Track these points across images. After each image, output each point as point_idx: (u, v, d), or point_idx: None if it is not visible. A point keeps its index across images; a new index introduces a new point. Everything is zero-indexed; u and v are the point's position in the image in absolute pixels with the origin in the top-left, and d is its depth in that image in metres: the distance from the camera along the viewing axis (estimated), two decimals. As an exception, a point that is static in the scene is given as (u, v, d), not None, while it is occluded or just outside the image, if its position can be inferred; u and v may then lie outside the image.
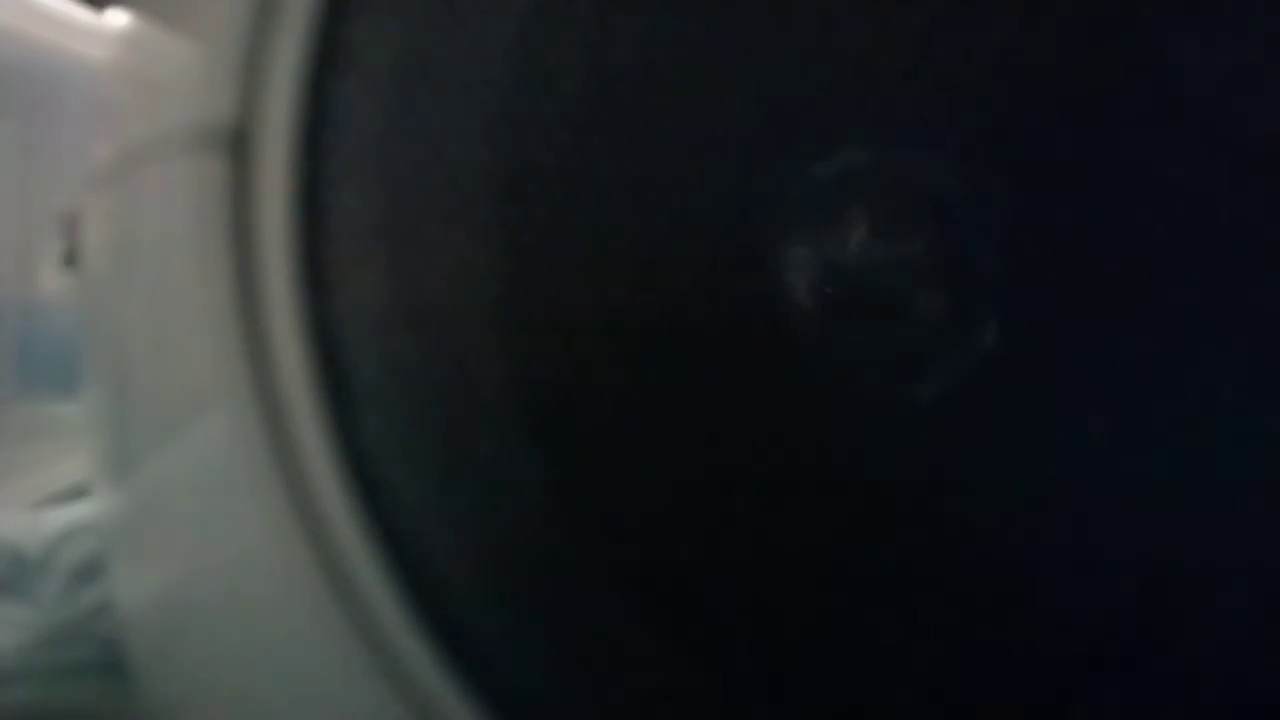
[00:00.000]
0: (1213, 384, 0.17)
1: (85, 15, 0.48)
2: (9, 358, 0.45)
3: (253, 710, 0.21)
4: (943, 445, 0.18)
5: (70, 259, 0.25)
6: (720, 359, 0.18)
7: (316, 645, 0.19)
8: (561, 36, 0.18)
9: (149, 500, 0.22)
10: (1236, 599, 0.17)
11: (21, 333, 0.46)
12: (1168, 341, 0.17)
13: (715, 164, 0.18)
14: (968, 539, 0.18)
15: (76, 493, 0.38)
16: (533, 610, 0.19)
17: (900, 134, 0.18)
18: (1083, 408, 0.18)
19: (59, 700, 0.29)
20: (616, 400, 0.19)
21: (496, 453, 0.19)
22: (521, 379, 0.18)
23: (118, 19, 0.24)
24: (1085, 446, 0.18)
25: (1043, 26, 0.17)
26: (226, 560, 0.20)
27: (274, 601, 0.20)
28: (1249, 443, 0.17)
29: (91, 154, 0.23)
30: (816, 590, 0.18)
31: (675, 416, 0.18)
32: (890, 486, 0.18)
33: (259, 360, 0.19)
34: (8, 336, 0.45)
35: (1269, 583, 0.17)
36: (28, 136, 0.46)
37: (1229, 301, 0.17)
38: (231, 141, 0.19)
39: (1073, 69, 0.17)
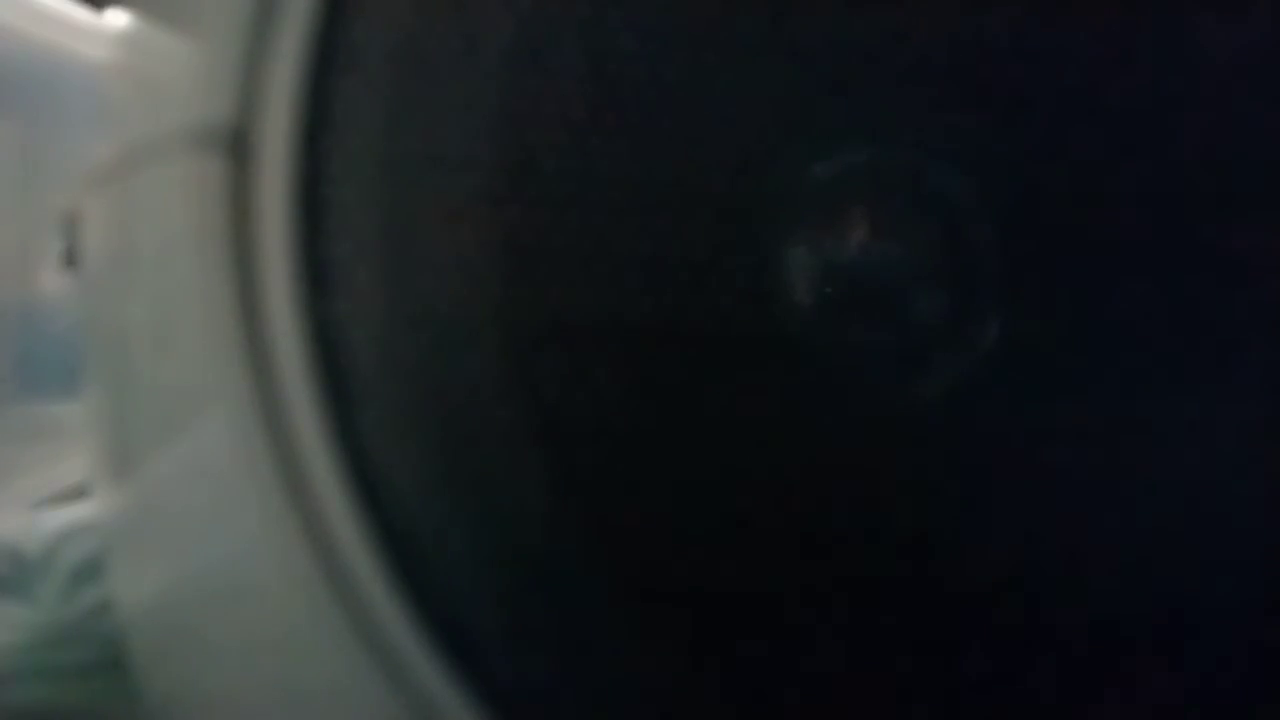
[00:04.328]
0: (1214, 381, 0.17)
1: (85, 15, 0.48)
2: (9, 358, 0.45)
3: (253, 709, 0.21)
4: (944, 444, 0.18)
5: (70, 259, 0.25)
6: (720, 358, 0.18)
7: (316, 645, 0.19)
8: (561, 36, 0.18)
9: (149, 500, 0.22)
10: (1239, 593, 0.17)
11: (21, 333, 0.46)
12: (1168, 340, 0.17)
13: (715, 163, 0.18)
14: (970, 537, 0.18)
15: (76, 493, 0.38)
16: (533, 610, 0.19)
17: (900, 134, 0.18)
18: (1083, 405, 0.18)
19: (59, 700, 0.29)
20: (617, 400, 0.19)
21: (496, 453, 0.19)
22: (521, 379, 0.18)
23: (118, 19, 0.24)
24: (1086, 444, 0.18)
25: (1042, 25, 0.17)
26: (226, 559, 0.20)
27: (274, 601, 0.20)
28: (1250, 439, 0.17)
29: (91, 154, 0.23)
30: (818, 590, 0.18)
31: (675, 416, 0.18)
32: (892, 485, 0.18)
33: (259, 360, 0.19)
34: (8, 336, 0.45)
35: (1271, 576, 0.17)
36: (28, 136, 0.46)
37: (1230, 300, 0.17)
38: (231, 141, 0.19)
39: (1073, 68, 0.17)
